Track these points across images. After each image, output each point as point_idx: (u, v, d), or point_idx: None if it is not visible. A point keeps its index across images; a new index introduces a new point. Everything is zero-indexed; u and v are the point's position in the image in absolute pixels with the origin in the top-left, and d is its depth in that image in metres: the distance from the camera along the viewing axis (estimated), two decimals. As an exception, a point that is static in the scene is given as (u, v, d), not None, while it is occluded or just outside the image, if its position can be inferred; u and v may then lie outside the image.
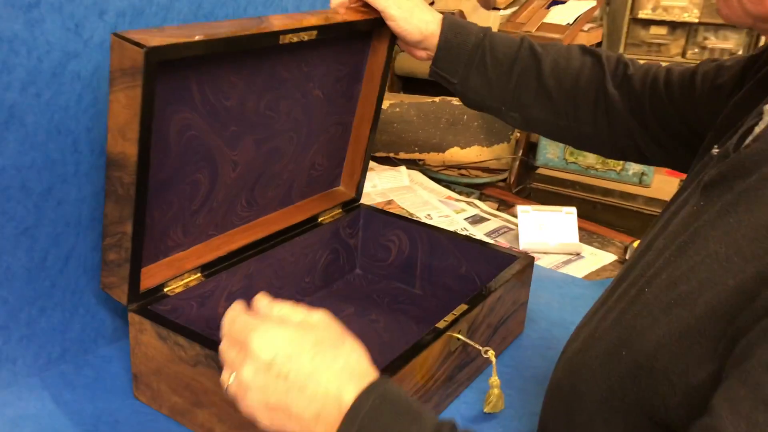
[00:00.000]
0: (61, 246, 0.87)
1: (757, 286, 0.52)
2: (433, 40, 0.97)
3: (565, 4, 1.97)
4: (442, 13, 1.00)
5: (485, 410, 0.86)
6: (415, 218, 1.46)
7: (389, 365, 0.77)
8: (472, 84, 0.97)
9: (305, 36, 0.87)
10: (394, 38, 1.02)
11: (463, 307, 0.89)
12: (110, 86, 0.72)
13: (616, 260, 1.36)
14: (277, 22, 0.85)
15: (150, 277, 0.87)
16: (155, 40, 0.70)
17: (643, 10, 2.00)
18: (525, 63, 0.95)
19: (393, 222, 1.15)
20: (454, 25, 0.97)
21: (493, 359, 0.86)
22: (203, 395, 0.79)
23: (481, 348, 0.87)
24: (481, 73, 0.96)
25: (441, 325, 0.85)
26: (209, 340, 0.78)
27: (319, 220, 1.11)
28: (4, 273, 0.81)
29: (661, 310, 0.59)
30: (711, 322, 0.54)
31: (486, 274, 1.07)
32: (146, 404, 0.86)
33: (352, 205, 1.17)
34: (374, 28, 1.00)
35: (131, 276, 0.82)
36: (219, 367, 0.75)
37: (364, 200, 1.54)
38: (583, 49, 0.97)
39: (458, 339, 0.87)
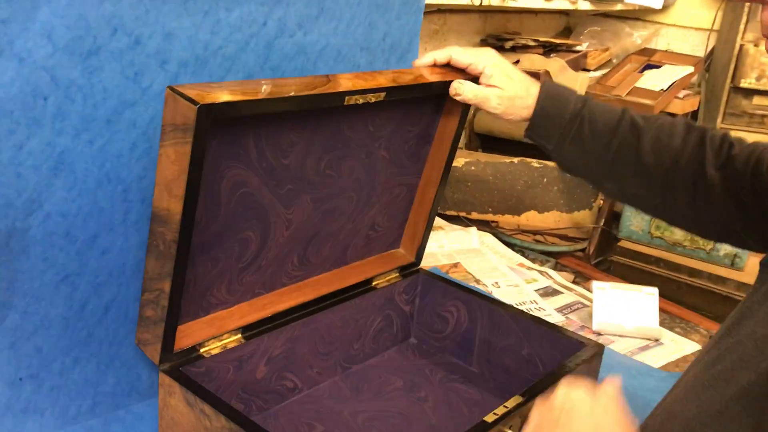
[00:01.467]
0: (102, 295, 0.84)
1: None
2: (530, 101, 0.93)
3: (660, 68, 1.87)
4: (539, 77, 0.96)
5: None
6: (480, 285, 1.39)
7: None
8: (567, 154, 0.94)
9: (372, 98, 0.83)
10: (468, 107, 0.98)
11: (518, 399, 0.81)
12: (161, 140, 0.70)
13: (699, 350, 1.24)
14: (345, 82, 0.81)
15: (187, 336, 0.84)
16: (210, 96, 0.67)
17: (746, 79, 1.87)
18: (624, 137, 0.91)
19: (452, 292, 1.08)
20: (552, 93, 0.93)
21: (546, 463, 0.77)
22: (225, 471, 0.74)
23: (532, 449, 0.78)
24: (578, 145, 0.93)
25: (489, 419, 0.77)
26: (235, 412, 0.73)
27: (374, 284, 1.05)
28: (41, 321, 0.79)
29: (695, 392, 0.59)
30: (743, 404, 0.54)
31: (550, 358, 0.98)
32: (170, 471, 0.81)
33: (411, 269, 1.11)
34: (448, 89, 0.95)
35: (165, 335, 0.78)
36: (242, 446, 0.70)
37: (429, 260, 1.48)
38: (688, 126, 0.92)
39: (508, 435, 0.78)
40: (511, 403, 0.80)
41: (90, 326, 0.84)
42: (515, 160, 1.68)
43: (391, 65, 1.11)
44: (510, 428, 0.78)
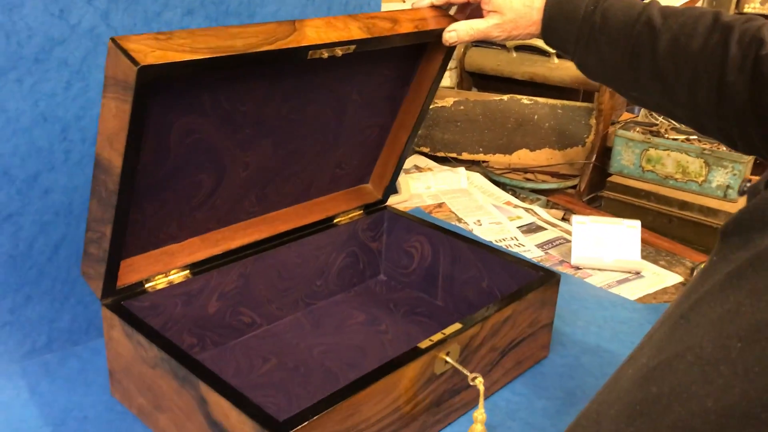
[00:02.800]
0: (49, 234, 0.86)
1: (742, 421, 0.37)
2: (535, 16, 0.87)
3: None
4: None
5: (466, 444, 0.77)
6: (462, 223, 1.37)
7: (356, 381, 0.70)
8: (585, 62, 0.86)
9: (340, 51, 0.78)
10: (452, 49, 0.94)
11: (457, 326, 0.80)
12: (104, 89, 0.67)
13: (680, 282, 1.21)
14: (311, 32, 0.76)
15: (133, 271, 0.85)
16: (153, 55, 0.63)
17: (750, 4, 1.79)
18: (638, 40, 0.80)
19: (416, 227, 1.07)
20: None
21: (481, 388, 0.76)
22: (162, 399, 0.76)
23: (468, 374, 0.78)
24: (593, 52, 0.84)
25: (423, 344, 0.77)
26: (168, 342, 0.74)
27: (335, 221, 1.05)
28: (-14, 258, 0.81)
29: (622, 415, 0.43)
30: None
31: (508, 289, 0.97)
32: (120, 402, 0.83)
33: (376, 207, 1.10)
34: (431, 39, 0.91)
35: (107, 273, 0.79)
36: (173, 372, 0.71)
37: (415, 201, 1.47)
38: (714, 22, 0.78)
39: (446, 362, 0.78)
40: (449, 330, 0.79)
41: (39, 264, 0.86)
42: (505, 97, 1.64)
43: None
44: (447, 354, 0.78)
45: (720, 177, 1.42)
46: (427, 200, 1.49)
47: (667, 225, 1.46)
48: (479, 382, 0.77)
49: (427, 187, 1.54)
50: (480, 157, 1.67)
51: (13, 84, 0.77)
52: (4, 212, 0.81)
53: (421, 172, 1.61)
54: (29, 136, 0.80)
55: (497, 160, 1.67)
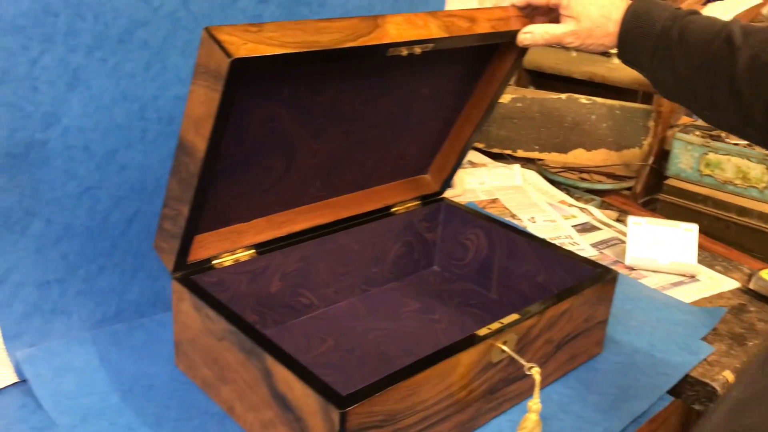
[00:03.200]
0: (124, 209, 0.89)
1: None
2: (611, 28, 0.87)
3: (725, 0, 1.77)
4: None
5: (517, 434, 0.78)
6: (516, 219, 1.38)
7: (416, 363, 0.72)
8: (660, 78, 0.85)
9: (418, 49, 0.80)
10: (525, 49, 0.95)
11: (515, 316, 0.81)
12: (193, 75, 0.70)
13: (737, 288, 1.20)
14: (392, 30, 0.77)
15: (202, 247, 0.88)
16: (245, 48, 0.66)
17: (820, 10, 1.75)
18: (718, 57, 0.79)
19: (472, 220, 1.08)
20: (639, 11, 0.85)
21: (537, 378, 0.77)
22: (227, 371, 0.78)
23: (525, 364, 0.79)
24: (668, 68, 0.83)
25: (482, 332, 0.78)
26: (234, 315, 0.77)
27: (393, 210, 1.07)
28: (64, 229, 0.85)
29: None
30: None
31: (565, 285, 0.97)
32: (184, 373, 0.87)
33: (433, 198, 1.12)
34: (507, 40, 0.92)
35: (180, 250, 0.82)
36: (240, 345, 0.74)
37: (468, 196, 1.48)
38: None
39: (502, 350, 0.79)
40: (507, 319, 0.80)
41: (113, 237, 0.90)
42: (563, 96, 1.64)
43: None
44: (504, 344, 0.79)
45: (782, 184, 1.40)
46: (480, 195, 1.50)
47: (724, 230, 1.44)
48: (536, 372, 0.78)
49: (481, 182, 1.55)
50: (535, 155, 1.67)
51: (98, 63, 0.81)
52: (83, 185, 0.85)
53: (475, 167, 1.62)
54: (110, 114, 0.84)
55: (552, 158, 1.66)
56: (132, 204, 0.90)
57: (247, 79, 0.73)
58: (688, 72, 0.82)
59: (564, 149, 1.66)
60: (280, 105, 0.80)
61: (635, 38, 0.85)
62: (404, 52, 0.78)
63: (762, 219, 1.40)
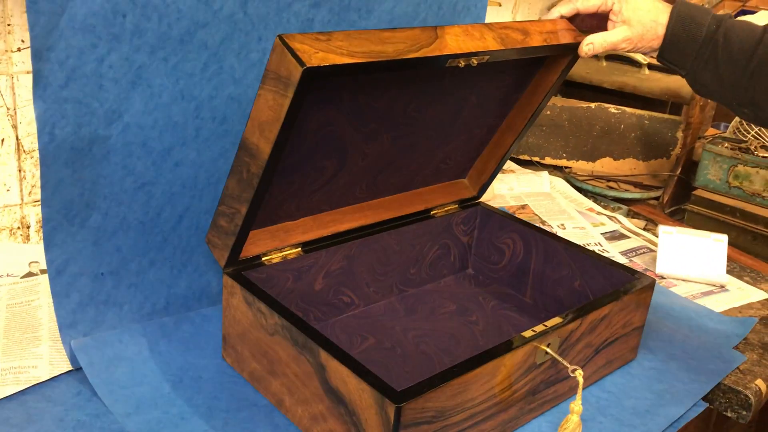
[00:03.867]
0: (175, 205, 0.92)
1: None
2: (660, 31, 0.92)
3: (755, 14, 1.78)
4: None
5: (560, 432, 0.80)
6: (546, 226, 1.40)
7: (467, 361, 0.74)
8: (701, 78, 0.92)
9: (475, 61, 0.82)
10: (574, 61, 0.98)
11: (558, 319, 0.83)
12: (263, 80, 0.72)
13: (766, 299, 1.21)
14: (452, 41, 0.80)
15: (252, 244, 0.90)
16: (317, 57, 0.68)
17: None
18: (762, 60, 0.87)
19: (509, 224, 1.10)
20: (684, 15, 0.91)
21: (580, 380, 0.79)
22: (277, 365, 0.81)
23: (569, 366, 0.80)
24: (711, 69, 0.90)
25: (527, 334, 0.80)
26: (287, 310, 0.79)
27: (432, 213, 1.09)
28: (120, 223, 0.87)
29: None
30: None
31: (601, 290, 0.99)
32: (231, 366, 0.89)
33: (471, 202, 1.14)
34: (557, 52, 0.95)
35: (234, 246, 0.84)
36: (293, 339, 0.76)
37: (498, 201, 1.50)
38: None
39: (546, 353, 0.81)
40: (551, 322, 0.82)
41: (165, 232, 0.92)
42: (592, 105, 1.66)
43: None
44: (548, 346, 0.81)
45: (810, 198, 1.41)
46: (510, 201, 1.52)
47: (751, 242, 1.45)
48: (579, 374, 0.79)
49: (509, 188, 1.57)
50: (563, 162, 1.69)
51: (159, 62, 0.83)
52: (139, 181, 0.87)
53: (504, 173, 1.64)
54: (168, 112, 0.86)
55: (580, 166, 1.68)
56: (183, 200, 0.92)
57: (313, 86, 0.75)
58: (731, 73, 0.88)
59: (592, 157, 1.68)
60: (338, 110, 0.82)
61: (681, 41, 0.90)
62: (462, 63, 0.80)
63: (790, 232, 1.42)
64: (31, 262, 1.05)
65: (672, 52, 0.91)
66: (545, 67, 1.00)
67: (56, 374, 0.84)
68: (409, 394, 0.67)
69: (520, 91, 1.02)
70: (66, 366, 0.85)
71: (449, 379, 0.70)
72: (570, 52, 0.95)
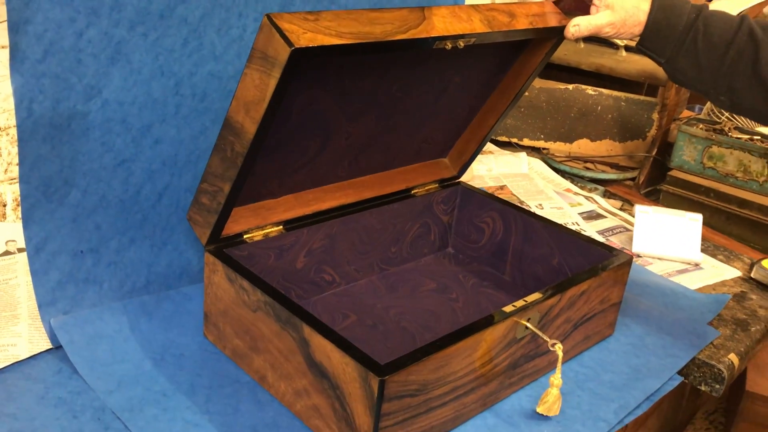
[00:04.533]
0: (155, 183, 0.91)
1: None
2: (642, 18, 0.93)
3: (720, 0, 1.80)
4: None
5: (537, 410, 0.82)
6: (524, 206, 1.41)
7: (448, 336, 0.75)
8: (680, 65, 0.93)
9: (462, 43, 0.82)
10: (558, 44, 0.99)
11: (538, 295, 0.84)
12: (249, 59, 0.71)
13: (739, 277, 1.24)
14: (439, 23, 0.80)
15: (234, 222, 0.90)
16: (305, 37, 0.67)
17: (821, 9, 1.79)
18: (740, 48, 0.89)
19: (489, 203, 1.11)
20: (665, 4, 0.92)
21: (560, 354, 0.81)
22: (260, 341, 0.81)
23: (549, 340, 0.82)
24: (691, 56, 0.91)
25: (508, 309, 0.81)
26: (270, 287, 0.79)
27: (413, 192, 1.09)
28: (99, 200, 0.87)
29: None
30: None
31: (579, 268, 1.01)
32: (213, 343, 0.89)
33: (450, 182, 1.14)
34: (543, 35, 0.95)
35: (216, 224, 0.84)
36: (275, 316, 0.76)
37: (477, 182, 1.51)
38: None
39: (526, 327, 0.82)
40: (531, 298, 0.83)
41: (145, 210, 0.91)
42: (570, 86, 1.67)
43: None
44: (528, 321, 0.82)
45: (782, 178, 1.44)
46: (489, 182, 1.53)
47: (724, 222, 1.48)
48: (558, 348, 0.81)
49: (488, 169, 1.58)
50: (541, 143, 1.70)
51: (139, 37, 0.82)
52: (119, 158, 0.86)
53: (482, 154, 1.64)
54: (147, 88, 0.86)
55: (557, 147, 1.70)
56: (163, 178, 0.92)
57: (299, 65, 0.74)
58: (710, 61, 0.90)
59: (569, 139, 1.69)
60: (324, 90, 0.82)
61: (662, 28, 0.91)
62: (449, 45, 0.80)
63: (761, 211, 1.44)
64: (8, 241, 1.04)
65: (653, 39, 0.93)
66: (529, 49, 1.00)
67: (36, 352, 0.83)
68: (392, 368, 0.68)
69: (503, 72, 1.03)
70: (46, 344, 0.85)
71: (432, 353, 0.71)
72: (555, 35, 0.96)
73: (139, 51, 0.83)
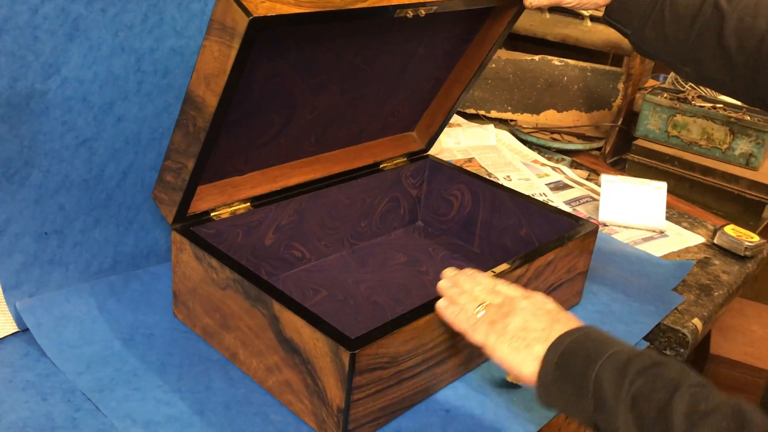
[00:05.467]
0: (119, 161, 0.90)
1: None
2: None
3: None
4: None
5: (507, 378, 0.83)
6: (492, 178, 1.42)
7: (418, 308, 0.75)
8: (646, 37, 0.93)
9: (423, 11, 0.82)
10: (520, 12, 0.98)
11: (506, 266, 0.85)
12: (207, 31, 0.70)
13: (702, 243, 1.26)
14: None
15: (200, 200, 0.89)
16: (263, 6, 0.66)
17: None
18: (706, 20, 0.89)
19: (457, 176, 1.12)
20: None
21: (528, 323, 0.82)
22: (230, 319, 0.81)
23: (517, 310, 0.83)
24: (658, 28, 0.92)
25: (476, 280, 0.81)
26: (239, 264, 0.79)
27: (381, 166, 1.09)
28: (62, 181, 0.85)
29: None
30: None
31: (547, 238, 1.02)
32: (183, 322, 0.89)
33: (419, 155, 1.15)
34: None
35: (181, 202, 0.83)
36: (245, 293, 0.76)
37: (445, 155, 1.51)
38: None
39: (495, 298, 0.83)
40: (499, 269, 0.84)
41: (109, 189, 0.90)
42: (536, 57, 1.67)
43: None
44: (497, 291, 0.83)
45: (744, 145, 1.46)
46: (457, 155, 1.53)
47: (689, 189, 1.50)
48: (527, 318, 0.82)
49: (456, 142, 1.58)
50: (508, 115, 1.71)
51: (97, 13, 0.80)
52: (81, 137, 0.85)
53: (450, 127, 1.65)
54: (108, 65, 0.84)
55: (525, 119, 1.70)
56: (127, 156, 0.90)
57: (260, 37, 0.73)
58: (676, 33, 0.90)
59: (536, 110, 1.70)
60: (285, 61, 0.81)
61: (629, 0, 0.91)
62: (410, 14, 0.80)
63: (724, 178, 1.47)
64: (-31, 224, 1.02)
65: (619, 10, 0.93)
66: (491, 19, 1.00)
67: (1, 336, 0.82)
68: (362, 341, 0.69)
69: (466, 42, 1.02)
70: (12, 327, 0.84)
71: (402, 325, 0.72)
72: (516, 3, 0.96)
73: (98, 27, 0.81)
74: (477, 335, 0.72)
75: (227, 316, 0.81)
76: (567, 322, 0.70)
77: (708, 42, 0.89)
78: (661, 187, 1.31)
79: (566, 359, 0.65)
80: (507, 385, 0.84)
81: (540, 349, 0.67)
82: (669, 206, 1.37)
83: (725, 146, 1.48)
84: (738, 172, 1.46)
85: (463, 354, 0.83)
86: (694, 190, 1.50)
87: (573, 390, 0.63)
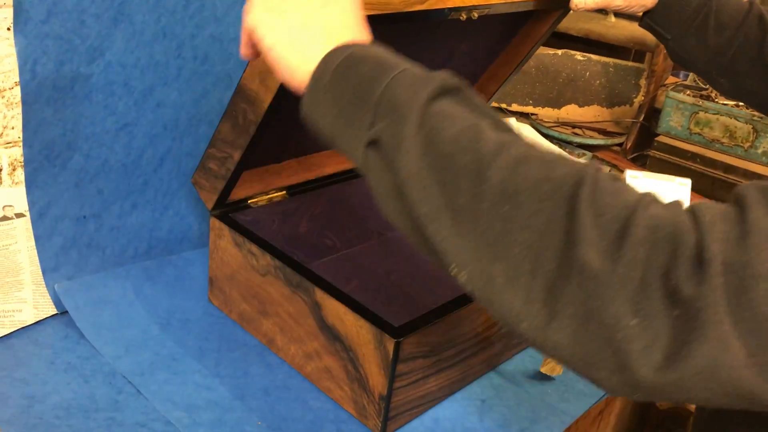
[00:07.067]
0: (157, 147, 0.90)
1: None
2: None
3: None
4: None
5: (541, 370, 0.83)
6: (516, 171, 1.42)
7: (453, 301, 0.76)
8: (686, 44, 0.92)
9: (476, 14, 0.82)
10: (565, 14, 0.98)
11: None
12: None
13: (726, 240, 1.26)
14: None
15: (238, 187, 0.89)
16: None
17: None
18: (749, 31, 0.89)
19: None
20: None
21: (565, 315, 0.82)
22: (269, 305, 0.81)
23: (553, 302, 0.83)
24: (699, 36, 0.91)
25: (514, 272, 0.82)
26: (279, 251, 0.79)
27: (412, 156, 1.09)
28: (102, 165, 0.86)
29: None
30: None
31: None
32: (218, 308, 0.89)
33: (449, 146, 1.15)
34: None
35: (223, 190, 0.83)
36: (286, 279, 0.77)
37: (468, 147, 1.51)
38: None
39: (531, 290, 0.83)
40: (535, 261, 0.85)
41: (146, 174, 0.91)
42: (559, 52, 1.67)
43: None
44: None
45: (766, 143, 1.46)
46: (479, 147, 1.53)
47: (710, 187, 1.51)
48: (563, 310, 0.82)
49: (479, 134, 1.58)
50: (529, 109, 1.71)
51: (141, -2, 0.81)
52: (121, 122, 0.85)
53: (472, 119, 1.65)
54: (149, 50, 0.84)
55: (546, 113, 1.70)
56: (165, 142, 0.91)
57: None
58: (717, 40, 0.89)
59: (557, 104, 1.70)
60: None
61: (674, 4, 0.90)
62: (464, 16, 0.80)
63: (746, 176, 1.47)
64: (5, 206, 1.02)
65: (662, 14, 0.92)
66: (535, 19, 1.00)
67: (42, 318, 0.83)
68: (407, 329, 0.69)
69: (506, 40, 1.03)
70: (51, 309, 0.84)
71: (444, 315, 0.72)
72: (562, 5, 0.96)
73: (142, 12, 0.81)
74: (248, 19, 0.56)
75: (266, 302, 0.81)
76: (362, 33, 0.57)
77: (749, 54, 0.88)
78: (686, 183, 1.31)
79: (353, 62, 0.51)
80: (541, 377, 0.85)
81: (320, 49, 0.53)
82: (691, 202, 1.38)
83: (748, 144, 1.48)
84: (760, 170, 1.46)
85: (497, 345, 0.84)
86: (716, 187, 1.50)
87: (352, 95, 0.50)
